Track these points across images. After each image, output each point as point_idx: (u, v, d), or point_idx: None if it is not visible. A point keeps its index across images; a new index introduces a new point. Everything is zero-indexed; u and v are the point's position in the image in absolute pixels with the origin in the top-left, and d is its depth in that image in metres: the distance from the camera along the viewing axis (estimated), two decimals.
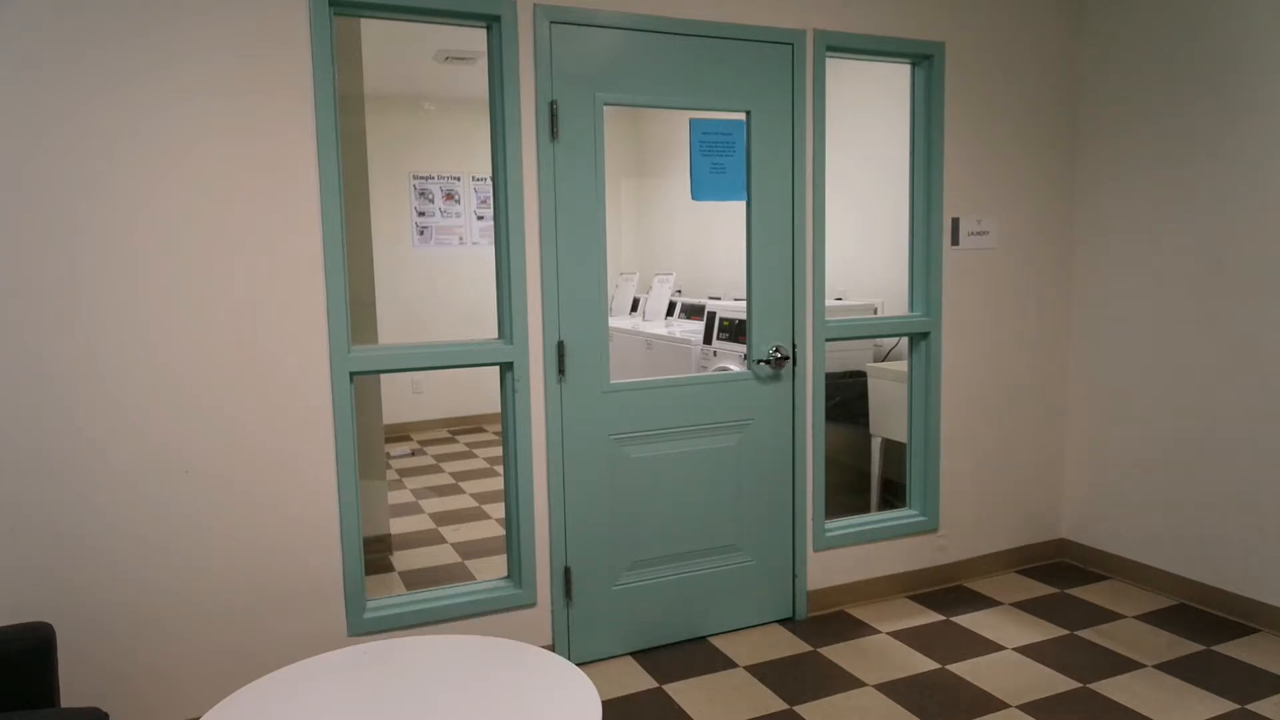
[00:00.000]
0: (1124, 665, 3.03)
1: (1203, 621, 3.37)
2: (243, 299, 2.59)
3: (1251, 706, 2.75)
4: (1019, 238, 3.81)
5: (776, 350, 3.33)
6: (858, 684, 2.94)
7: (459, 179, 7.27)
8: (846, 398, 4.38)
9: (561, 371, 3.00)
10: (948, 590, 3.74)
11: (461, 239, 7.35)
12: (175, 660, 2.60)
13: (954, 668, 3.04)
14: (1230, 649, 3.14)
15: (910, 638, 3.28)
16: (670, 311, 5.74)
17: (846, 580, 3.58)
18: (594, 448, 3.08)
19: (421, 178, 7.15)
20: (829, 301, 4.45)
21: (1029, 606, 3.54)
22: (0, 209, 2.33)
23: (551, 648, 3.06)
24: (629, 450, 3.13)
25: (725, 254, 5.82)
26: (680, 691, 2.92)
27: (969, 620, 3.42)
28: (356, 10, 2.72)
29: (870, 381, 4.27)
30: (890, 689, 2.90)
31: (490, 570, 3.93)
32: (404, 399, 7.08)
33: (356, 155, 3.70)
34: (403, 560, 4.21)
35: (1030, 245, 3.84)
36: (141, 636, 2.56)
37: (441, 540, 4.51)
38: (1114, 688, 2.88)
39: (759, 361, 3.32)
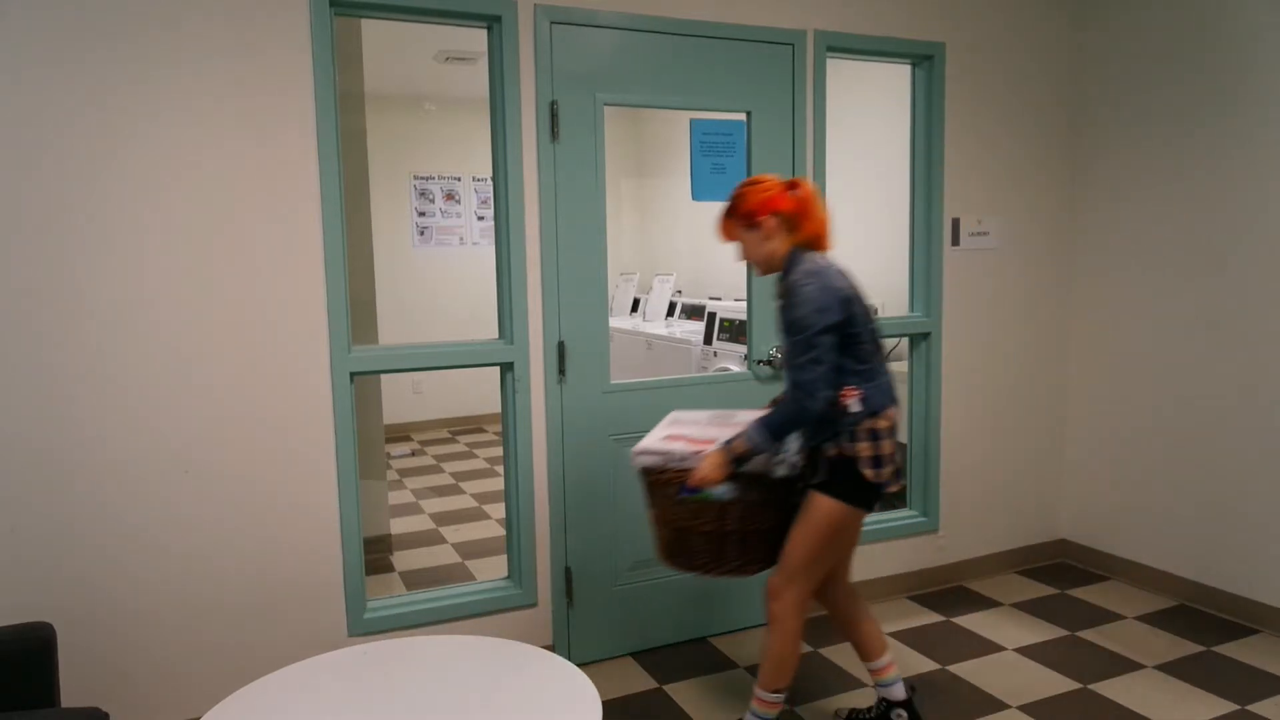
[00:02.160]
0: (1124, 666, 3.03)
1: (1203, 622, 3.37)
2: (243, 299, 2.59)
3: (1251, 707, 2.75)
4: (1019, 238, 3.81)
5: (777, 351, 3.33)
6: (858, 684, 2.94)
7: (459, 179, 7.27)
8: None
9: (562, 372, 3.00)
10: (948, 590, 3.73)
11: (462, 239, 7.35)
12: (176, 660, 2.60)
13: (954, 668, 3.04)
14: (1230, 649, 3.14)
15: (910, 638, 3.28)
16: (670, 312, 5.74)
17: None
18: (594, 448, 3.08)
19: (422, 178, 7.16)
20: None
21: (1029, 607, 3.54)
22: (3, 210, 2.33)
23: (552, 648, 3.06)
24: (630, 450, 3.12)
25: (726, 254, 5.81)
26: (680, 691, 2.92)
27: (969, 621, 3.42)
28: (357, 10, 2.73)
29: None
30: None
31: (490, 570, 3.93)
32: (404, 399, 7.07)
33: (357, 155, 3.70)
34: (403, 560, 4.21)
35: (1031, 246, 3.84)
36: (142, 636, 2.56)
37: (442, 540, 4.51)
38: (1114, 688, 2.88)
39: (760, 362, 3.31)
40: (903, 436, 3.86)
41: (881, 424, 2.24)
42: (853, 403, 2.21)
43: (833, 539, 2.30)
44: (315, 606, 2.75)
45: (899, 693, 2.53)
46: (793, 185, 2.31)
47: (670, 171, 6.83)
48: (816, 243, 2.30)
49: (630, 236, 7.33)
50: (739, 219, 2.31)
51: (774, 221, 2.27)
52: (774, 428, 2.19)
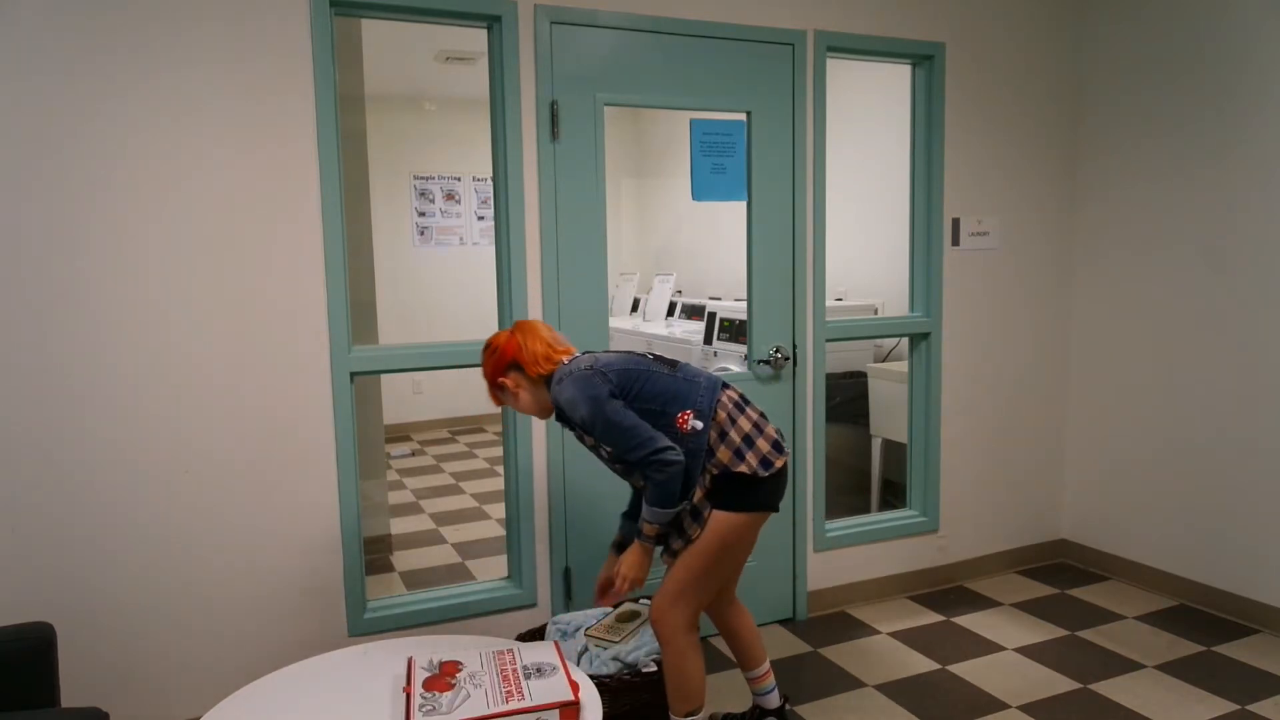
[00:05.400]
0: (1124, 666, 3.03)
1: (1203, 622, 3.37)
2: (244, 299, 2.59)
3: (1251, 707, 2.75)
4: (1020, 238, 3.81)
5: (777, 351, 3.33)
6: (858, 684, 2.94)
7: (459, 179, 7.27)
8: (847, 398, 4.38)
9: None
10: (948, 590, 3.73)
11: (462, 239, 7.35)
12: (176, 660, 2.60)
13: (954, 668, 3.04)
14: (1230, 649, 3.14)
15: (910, 638, 3.28)
16: (670, 312, 5.73)
17: (847, 581, 3.58)
18: None
19: (422, 178, 7.15)
20: (829, 302, 4.44)
21: (1029, 607, 3.54)
22: (6, 213, 2.33)
23: None
24: None
25: (726, 254, 5.81)
26: None
27: (969, 621, 3.42)
28: (357, 11, 2.73)
29: (871, 382, 4.27)
30: (890, 689, 2.90)
31: (490, 570, 3.93)
32: (404, 399, 7.07)
33: (357, 156, 3.70)
34: (403, 560, 4.21)
35: (1031, 246, 3.84)
36: (142, 636, 2.56)
37: (441, 540, 4.51)
38: (1114, 688, 2.88)
39: (759, 362, 3.31)
40: (902, 436, 3.88)
41: (721, 416, 2.22)
42: (693, 423, 2.19)
43: (727, 553, 2.24)
44: (315, 606, 2.75)
45: (773, 701, 2.54)
46: (511, 331, 2.34)
47: (670, 171, 6.82)
48: (552, 363, 2.30)
49: (630, 236, 7.33)
50: (494, 388, 2.37)
51: (513, 374, 2.30)
52: (661, 501, 2.15)
